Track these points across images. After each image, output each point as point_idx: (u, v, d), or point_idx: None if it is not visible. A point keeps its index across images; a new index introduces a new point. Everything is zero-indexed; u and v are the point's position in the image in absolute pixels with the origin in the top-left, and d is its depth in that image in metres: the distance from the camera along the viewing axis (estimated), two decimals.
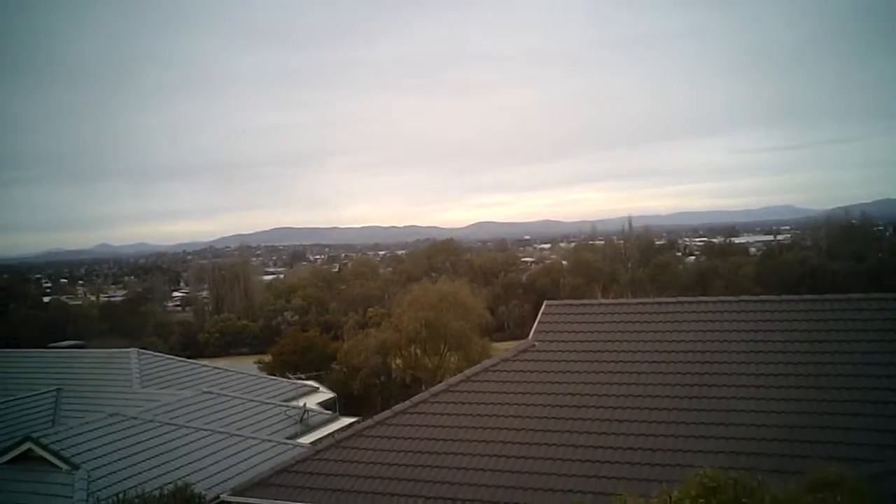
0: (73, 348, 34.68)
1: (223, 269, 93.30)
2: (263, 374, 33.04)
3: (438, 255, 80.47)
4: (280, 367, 38.48)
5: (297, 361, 38.48)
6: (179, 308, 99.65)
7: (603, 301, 19.37)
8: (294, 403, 27.04)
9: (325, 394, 31.03)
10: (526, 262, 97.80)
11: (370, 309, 55.81)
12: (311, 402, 28.49)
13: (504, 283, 72.91)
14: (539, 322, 18.84)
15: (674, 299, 18.69)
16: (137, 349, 30.95)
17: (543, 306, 19.28)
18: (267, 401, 27.12)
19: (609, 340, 17.60)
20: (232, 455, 21.00)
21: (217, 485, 18.35)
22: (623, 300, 19.38)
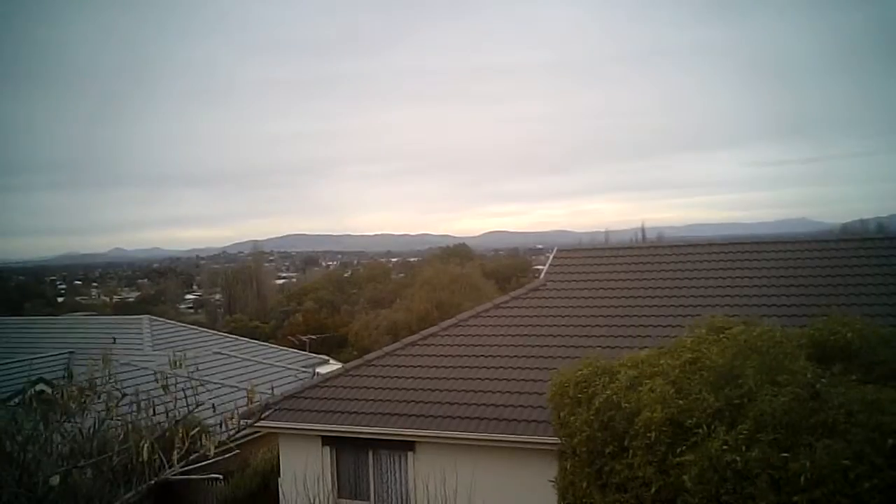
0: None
1: (236, 272, 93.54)
2: (275, 346, 33.13)
3: (451, 260, 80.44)
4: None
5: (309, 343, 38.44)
6: (192, 310, 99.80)
7: (612, 245, 19.38)
8: (305, 370, 27.12)
9: (335, 365, 31.05)
10: (538, 269, 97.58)
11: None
12: (323, 371, 28.58)
13: (516, 287, 72.68)
14: (550, 265, 18.93)
15: (683, 242, 18.66)
16: (149, 315, 31.15)
17: (554, 251, 19.37)
18: (277, 364, 27.27)
19: (616, 279, 17.61)
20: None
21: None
22: (633, 245, 19.31)
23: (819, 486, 5.96)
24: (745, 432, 6.31)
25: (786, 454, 6.10)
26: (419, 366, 16.20)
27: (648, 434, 6.72)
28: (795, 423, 6.27)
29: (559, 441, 8.18)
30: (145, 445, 5.33)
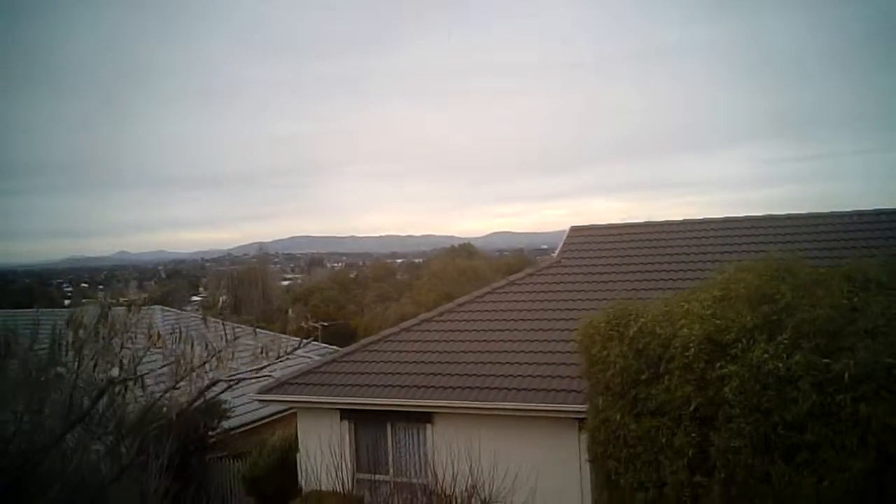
0: None
1: (241, 273, 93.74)
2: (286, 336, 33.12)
3: (453, 265, 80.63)
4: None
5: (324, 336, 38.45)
6: (199, 311, 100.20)
7: (626, 223, 19.42)
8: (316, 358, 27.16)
9: None
10: None
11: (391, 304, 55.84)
12: None
13: None
14: (564, 243, 18.99)
15: (698, 218, 18.73)
16: (161, 305, 31.21)
17: (569, 230, 19.45)
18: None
19: (631, 255, 17.65)
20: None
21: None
22: (647, 222, 19.36)
23: (862, 384, 6.07)
24: (785, 341, 6.42)
25: (827, 360, 6.21)
26: (436, 340, 16.28)
27: (686, 354, 6.80)
28: (835, 331, 6.38)
29: (589, 382, 8.25)
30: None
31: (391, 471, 15.17)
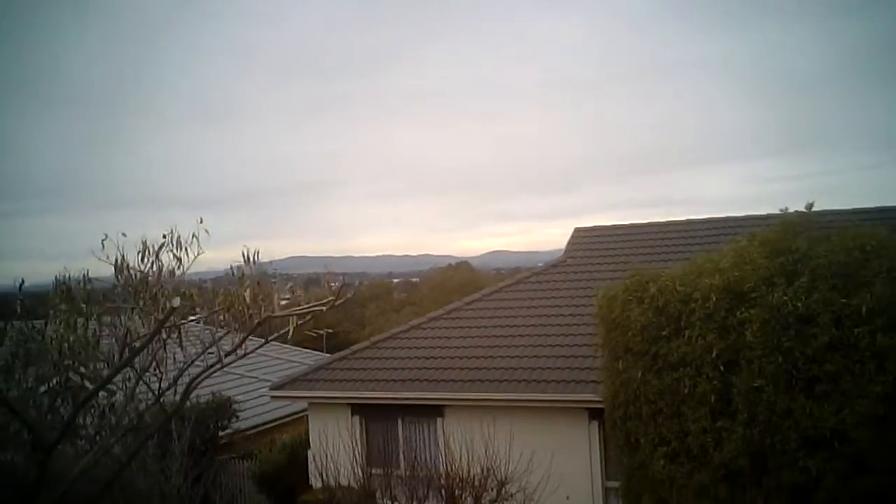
0: None
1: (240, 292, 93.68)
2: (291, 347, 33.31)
3: (454, 278, 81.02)
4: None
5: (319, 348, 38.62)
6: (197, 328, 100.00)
7: (630, 223, 19.69)
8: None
9: None
10: None
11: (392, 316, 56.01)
12: None
13: None
14: (569, 243, 19.26)
15: (702, 218, 19.02)
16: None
17: (573, 231, 19.73)
18: (294, 360, 27.54)
19: (635, 254, 17.86)
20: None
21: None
22: (652, 222, 19.63)
23: (878, 317, 6.38)
24: (803, 284, 6.72)
25: (845, 299, 6.53)
26: (445, 336, 16.48)
27: (706, 305, 7.08)
28: (851, 273, 6.69)
29: (608, 348, 8.51)
30: None
31: (402, 464, 15.31)
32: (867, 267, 6.73)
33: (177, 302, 5.43)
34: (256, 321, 5.86)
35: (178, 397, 6.62)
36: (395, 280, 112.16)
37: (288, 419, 20.53)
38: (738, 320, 6.89)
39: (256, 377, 23.20)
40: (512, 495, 11.40)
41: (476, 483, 11.31)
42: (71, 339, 5.53)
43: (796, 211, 7.67)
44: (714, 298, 7.05)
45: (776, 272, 6.98)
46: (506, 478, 11.39)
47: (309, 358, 29.73)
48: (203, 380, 6.51)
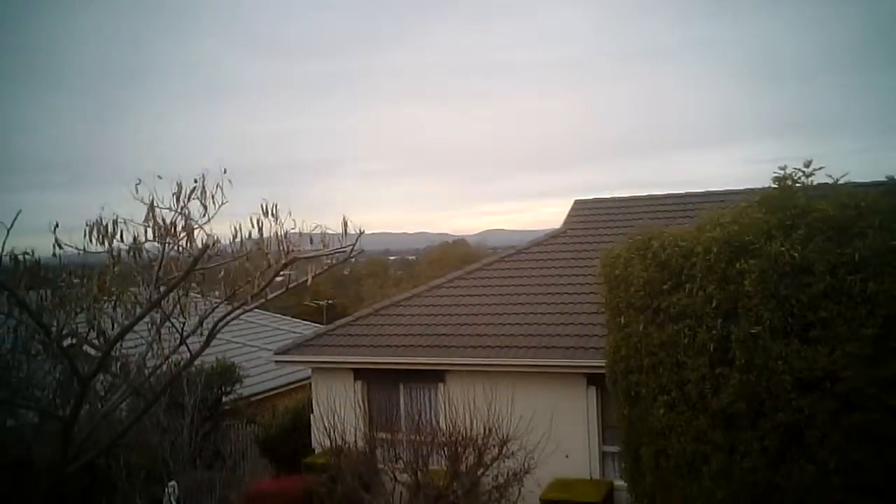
0: None
1: (237, 269, 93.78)
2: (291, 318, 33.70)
3: (452, 254, 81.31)
4: None
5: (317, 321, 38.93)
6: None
7: (630, 196, 19.96)
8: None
9: None
10: None
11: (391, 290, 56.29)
12: None
13: None
14: (569, 215, 19.53)
15: (700, 191, 19.25)
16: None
17: (573, 202, 20.00)
18: (295, 331, 27.92)
19: (635, 225, 18.12)
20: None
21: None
22: (652, 195, 19.88)
23: (871, 265, 6.74)
24: (801, 236, 7.05)
25: (839, 249, 6.86)
26: (447, 304, 16.75)
27: (708, 257, 7.40)
28: (847, 226, 7.02)
29: (609, 306, 8.83)
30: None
31: (404, 429, 15.65)
32: (861, 219, 7.07)
33: (210, 240, 5.70)
34: (283, 262, 6.13)
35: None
36: (392, 258, 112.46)
37: (289, 387, 20.88)
38: (737, 271, 7.20)
39: (258, 346, 23.60)
40: (513, 453, 11.77)
41: (479, 442, 11.66)
42: (107, 278, 5.80)
43: (795, 168, 7.98)
44: (715, 251, 7.37)
45: (775, 226, 7.30)
46: (507, 436, 11.77)
47: (308, 329, 30.09)
48: (228, 322, 6.80)
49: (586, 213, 19.34)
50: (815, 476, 6.94)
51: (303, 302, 37.92)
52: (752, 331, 7.02)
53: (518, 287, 16.77)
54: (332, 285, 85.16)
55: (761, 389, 7.10)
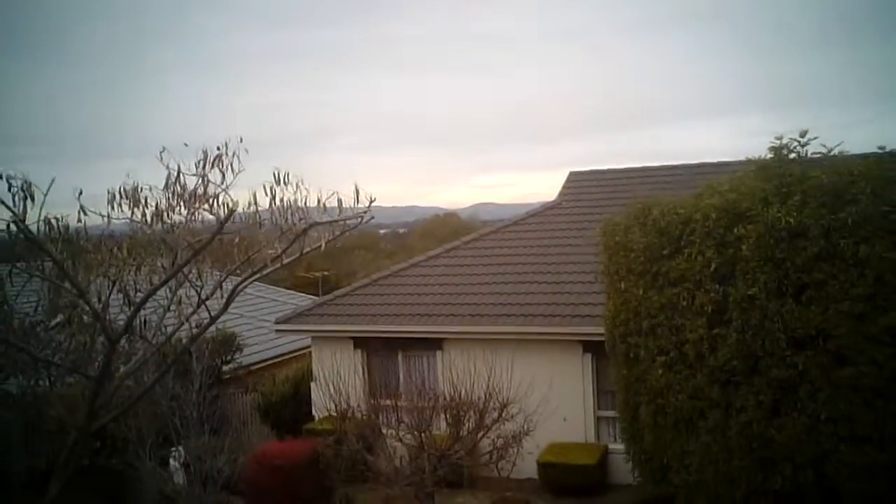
0: None
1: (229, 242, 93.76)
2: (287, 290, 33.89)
3: (444, 227, 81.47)
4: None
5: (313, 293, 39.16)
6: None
7: (624, 167, 20.21)
8: None
9: None
10: None
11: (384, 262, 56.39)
12: None
13: None
14: (564, 186, 19.79)
15: (695, 162, 19.54)
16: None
17: (568, 174, 20.25)
18: (291, 302, 28.17)
19: (630, 197, 18.38)
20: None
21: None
22: (645, 166, 20.14)
23: (862, 229, 7.07)
24: (796, 202, 7.37)
25: (833, 214, 7.19)
26: (445, 274, 17.03)
27: (706, 223, 7.70)
28: (840, 192, 7.34)
29: (609, 273, 9.12)
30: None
31: (403, 396, 15.97)
32: (853, 186, 7.38)
33: (237, 206, 5.93)
34: (303, 227, 6.37)
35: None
36: (383, 231, 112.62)
37: (286, 357, 21.17)
38: (735, 236, 7.52)
39: (255, 317, 23.87)
40: (513, 416, 12.12)
41: (480, 405, 12.00)
42: (130, 241, 6.04)
43: (791, 138, 8.25)
44: (714, 217, 7.67)
45: (771, 193, 7.61)
46: (507, 400, 12.11)
47: (304, 301, 30.33)
48: (247, 285, 7.04)
49: (581, 185, 19.60)
50: (806, 427, 7.33)
51: (295, 274, 38.13)
52: (749, 292, 7.35)
53: (514, 257, 17.05)
54: (324, 258, 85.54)
55: (757, 347, 7.46)
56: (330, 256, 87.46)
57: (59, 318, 6.06)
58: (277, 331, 17.50)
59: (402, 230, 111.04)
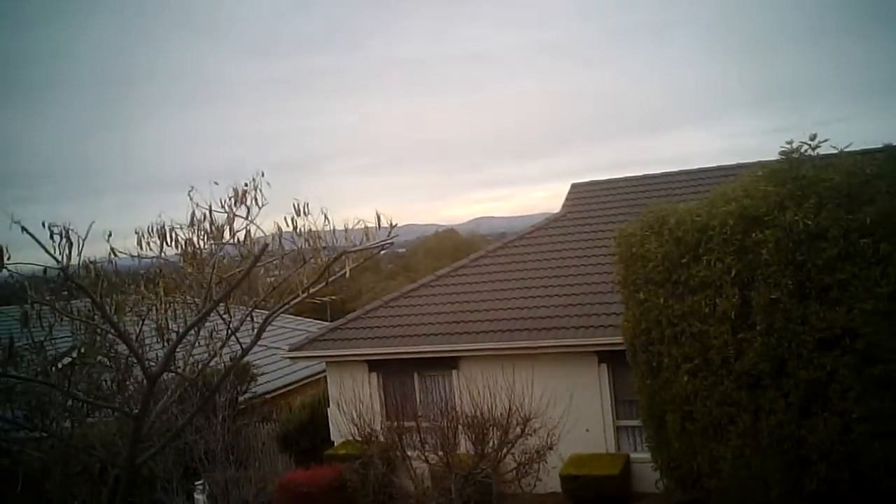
0: None
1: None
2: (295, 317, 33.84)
3: (444, 244, 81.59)
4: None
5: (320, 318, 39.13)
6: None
7: (626, 177, 20.31)
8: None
9: None
10: None
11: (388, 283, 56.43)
12: None
13: None
14: (567, 198, 19.90)
15: (695, 168, 19.66)
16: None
17: (570, 186, 20.37)
18: (300, 328, 28.17)
19: (634, 207, 18.48)
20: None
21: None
22: (646, 174, 20.27)
23: (882, 228, 7.18)
24: (812, 204, 7.49)
25: (850, 215, 7.30)
26: (456, 293, 17.09)
27: (724, 230, 7.80)
28: (856, 193, 7.46)
29: (626, 283, 9.21)
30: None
31: (425, 414, 15.95)
32: (868, 186, 7.52)
33: (270, 241, 6.02)
34: (334, 256, 6.46)
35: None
36: (383, 252, 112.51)
37: (300, 384, 21.19)
38: (753, 241, 7.63)
39: (265, 346, 23.88)
40: (535, 430, 12.17)
41: (503, 422, 12.05)
42: (166, 281, 6.14)
43: (802, 141, 8.36)
44: (731, 224, 7.78)
45: (786, 197, 7.73)
46: (528, 415, 12.16)
47: (312, 326, 30.36)
48: (278, 315, 7.12)
49: (585, 196, 19.71)
50: (838, 427, 7.41)
51: (305, 300, 38.06)
52: (772, 296, 7.45)
53: (523, 272, 17.11)
54: (323, 282, 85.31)
55: (783, 350, 7.55)
56: (334, 280, 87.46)
57: (98, 358, 6.15)
58: (291, 358, 17.52)
59: (401, 250, 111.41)
